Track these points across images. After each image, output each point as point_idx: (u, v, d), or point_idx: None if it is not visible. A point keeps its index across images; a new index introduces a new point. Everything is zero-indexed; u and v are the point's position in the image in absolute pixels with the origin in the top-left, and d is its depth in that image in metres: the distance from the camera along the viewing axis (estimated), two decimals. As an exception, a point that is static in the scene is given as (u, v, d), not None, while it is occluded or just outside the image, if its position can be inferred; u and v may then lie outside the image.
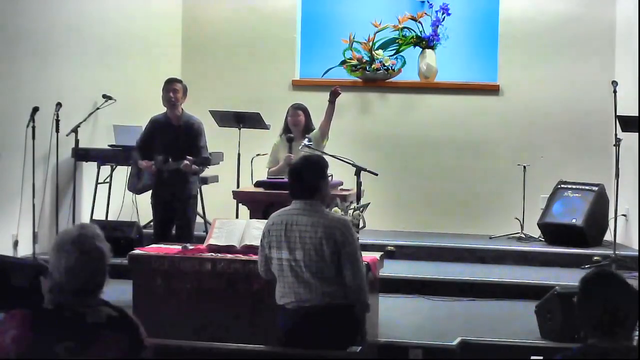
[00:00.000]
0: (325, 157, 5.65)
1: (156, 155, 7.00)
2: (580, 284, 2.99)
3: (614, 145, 7.80)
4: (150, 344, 2.93)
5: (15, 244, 7.55)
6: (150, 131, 7.13)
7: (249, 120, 8.35)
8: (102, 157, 8.33)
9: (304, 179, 4.40)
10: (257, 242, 5.26)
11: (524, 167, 8.84)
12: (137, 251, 5.93)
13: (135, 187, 8.03)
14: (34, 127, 7.48)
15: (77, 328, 2.80)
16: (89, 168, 8.44)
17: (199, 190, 7.48)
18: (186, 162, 6.84)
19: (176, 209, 7.06)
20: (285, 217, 4.37)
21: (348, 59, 9.55)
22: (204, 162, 7.11)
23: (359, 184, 6.26)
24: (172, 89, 7.01)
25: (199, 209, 8.41)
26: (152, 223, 8.59)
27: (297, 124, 7.43)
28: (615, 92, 7.86)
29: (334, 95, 7.50)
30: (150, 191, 7.34)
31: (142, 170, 7.52)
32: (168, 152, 6.95)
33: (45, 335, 2.79)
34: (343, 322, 4.33)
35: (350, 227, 4.44)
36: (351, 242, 4.33)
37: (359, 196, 6.23)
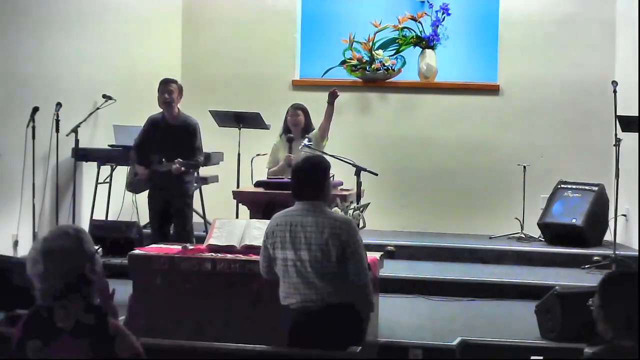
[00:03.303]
0: (325, 157, 5.66)
1: (152, 155, 7.00)
2: (600, 284, 2.98)
3: (614, 145, 7.79)
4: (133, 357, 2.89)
5: (15, 244, 7.55)
6: (147, 130, 7.14)
7: (249, 120, 8.35)
8: (102, 157, 8.33)
9: (308, 180, 4.41)
10: (257, 242, 5.27)
11: (524, 167, 8.84)
12: (137, 251, 5.93)
13: (132, 185, 8.02)
14: (34, 127, 7.49)
15: (45, 329, 2.81)
16: (89, 168, 8.44)
17: (199, 189, 7.45)
18: (176, 165, 6.83)
19: (173, 209, 7.06)
20: (290, 217, 4.37)
21: (348, 59, 9.55)
22: (195, 166, 7.08)
23: (359, 184, 6.27)
24: (167, 90, 7.01)
25: (199, 209, 8.41)
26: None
27: (297, 124, 7.43)
28: (615, 92, 7.86)
29: (332, 97, 7.50)
30: (147, 191, 7.34)
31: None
32: (163, 152, 6.96)
33: (27, 336, 2.83)
34: (348, 322, 4.33)
35: (356, 227, 4.45)
36: (356, 242, 4.35)
37: (359, 196, 6.23)
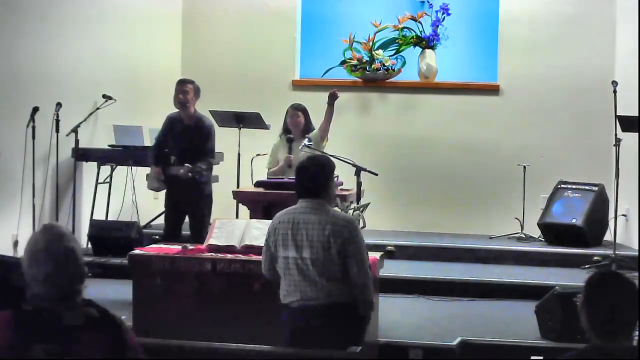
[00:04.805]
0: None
1: (168, 155, 7.01)
2: (585, 285, 2.99)
3: (614, 145, 7.79)
4: (137, 344, 2.91)
5: (15, 244, 7.54)
6: (165, 129, 7.15)
7: (249, 120, 8.35)
8: (102, 157, 8.33)
9: (312, 178, 4.42)
10: (257, 242, 5.28)
11: (524, 167, 8.84)
12: (137, 251, 5.93)
13: (151, 185, 7.98)
14: (34, 127, 7.49)
15: (54, 330, 2.78)
16: (89, 168, 8.43)
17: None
18: (182, 170, 6.81)
19: (189, 208, 7.03)
20: (292, 215, 4.39)
21: (348, 59, 9.55)
22: (200, 173, 6.92)
23: (359, 184, 6.27)
24: (182, 90, 7.01)
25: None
26: (152, 223, 8.59)
27: (297, 125, 7.42)
28: (615, 92, 7.86)
29: (332, 98, 7.48)
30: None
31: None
32: (178, 150, 6.97)
33: (24, 337, 2.77)
34: (348, 322, 4.34)
35: (357, 226, 4.46)
36: (358, 241, 4.36)
37: (359, 196, 6.23)
